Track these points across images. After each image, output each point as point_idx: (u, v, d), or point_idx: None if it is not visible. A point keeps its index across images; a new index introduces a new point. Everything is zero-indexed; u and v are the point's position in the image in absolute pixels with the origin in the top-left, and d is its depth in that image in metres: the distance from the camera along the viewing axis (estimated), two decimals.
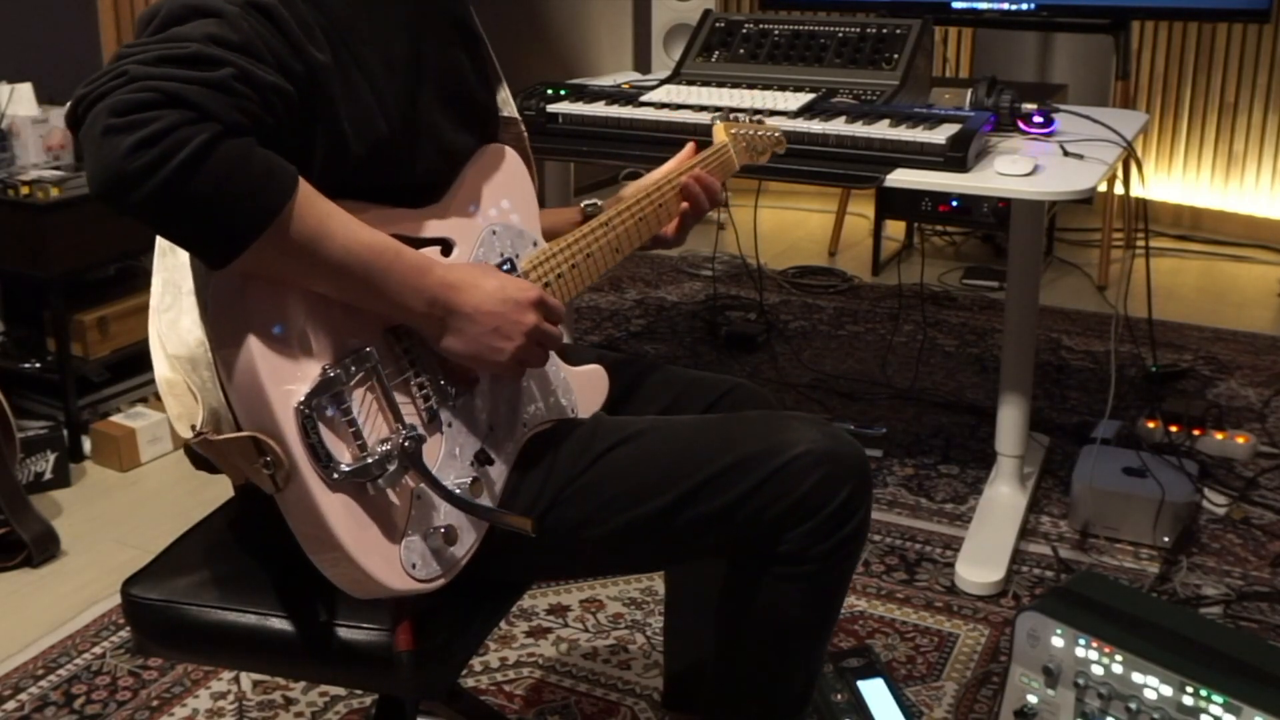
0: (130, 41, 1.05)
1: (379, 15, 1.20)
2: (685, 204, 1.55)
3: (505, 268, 1.32)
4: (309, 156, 1.14)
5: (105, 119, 0.97)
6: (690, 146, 1.61)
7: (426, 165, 1.26)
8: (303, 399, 1.09)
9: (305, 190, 1.07)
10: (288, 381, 1.09)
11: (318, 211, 1.08)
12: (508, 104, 1.45)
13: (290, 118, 1.09)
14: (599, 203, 1.52)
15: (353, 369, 1.13)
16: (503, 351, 1.20)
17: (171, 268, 1.24)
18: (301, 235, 1.06)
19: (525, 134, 1.45)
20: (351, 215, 1.12)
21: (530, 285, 1.23)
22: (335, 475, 1.10)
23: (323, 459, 1.09)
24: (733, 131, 1.70)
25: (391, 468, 1.13)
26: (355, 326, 1.15)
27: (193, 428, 1.19)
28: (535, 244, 1.38)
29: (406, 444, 1.14)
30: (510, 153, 1.38)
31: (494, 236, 1.32)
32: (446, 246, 1.27)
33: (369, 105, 1.17)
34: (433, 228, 1.26)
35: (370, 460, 1.12)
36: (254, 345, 1.08)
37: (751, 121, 1.78)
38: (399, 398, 1.17)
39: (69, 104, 1.02)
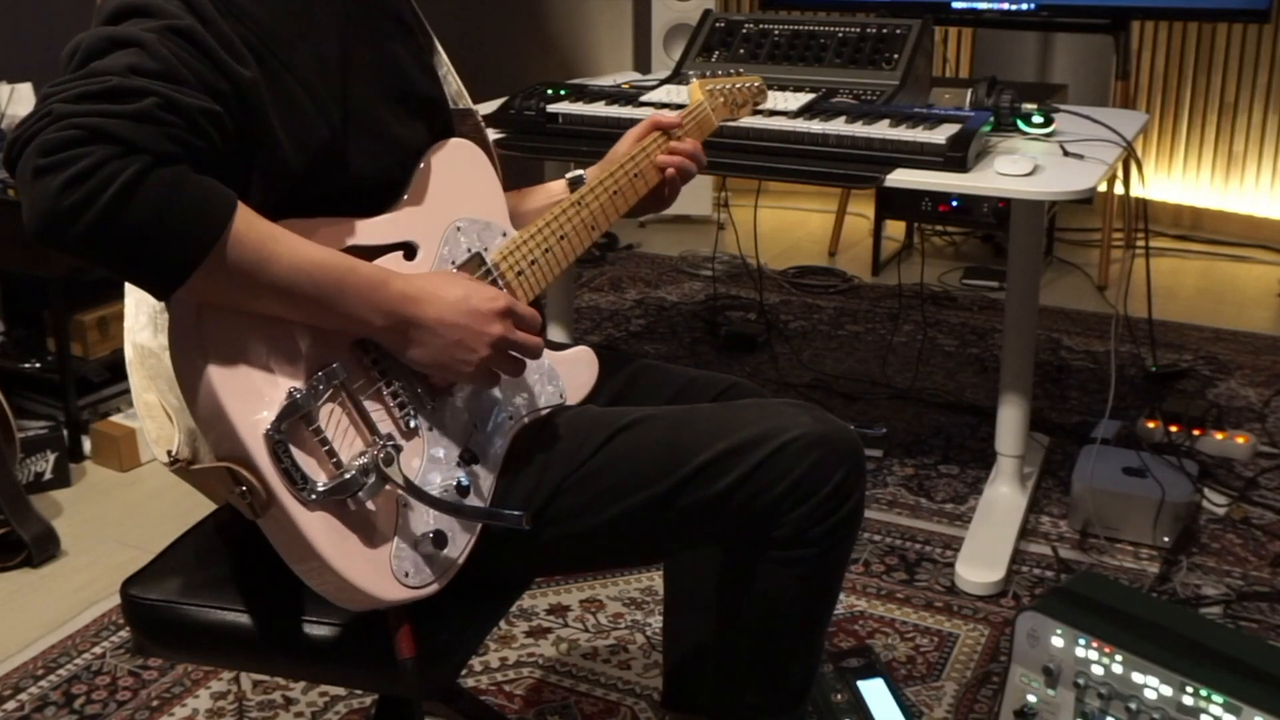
0: (54, 80, 1.03)
1: (304, 17, 1.18)
2: (673, 172, 1.54)
3: (475, 262, 1.30)
4: (248, 176, 1.12)
5: (34, 160, 0.97)
6: (652, 118, 1.56)
7: (374, 165, 1.24)
8: (270, 425, 1.08)
9: (245, 214, 1.06)
10: (254, 409, 1.08)
11: (260, 234, 1.06)
12: (461, 96, 1.44)
13: (223, 138, 1.07)
14: (583, 173, 1.51)
15: (320, 387, 1.12)
16: (468, 363, 1.18)
17: None
18: (245, 259, 1.05)
19: (483, 124, 1.44)
20: (299, 232, 1.10)
21: (498, 294, 1.21)
22: (313, 496, 1.09)
23: (298, 481, 1.08)
24: (709, 88, 1.68)
25: (370, 481, 1.12)
26: (319, 343, 1.14)
27: (169, 453, 1.19)
28: (504, 234, 1.36)
29: (382, 456, 1.13)
30: (466, 144, 1.36)
31: (458, 232, 1.30)
32: (409, 250, 1.25)
33: (306, 110, 1.15)
34: (392, 231, 1.24)
35: (347, 476, 1.11)
36: (215, 376, 1.07)
37: (728, 75, 1.76)
38: (372, 408, 1.16)
39: (4, 147, 1.02)
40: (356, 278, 1.13)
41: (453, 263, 1.29)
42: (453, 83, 1.43)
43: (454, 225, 1.30)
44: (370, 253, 1.20)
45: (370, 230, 1.22)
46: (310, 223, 1.15)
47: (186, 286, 1.03)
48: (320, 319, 1.13)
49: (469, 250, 1.31)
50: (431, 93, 1.35)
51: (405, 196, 1.27)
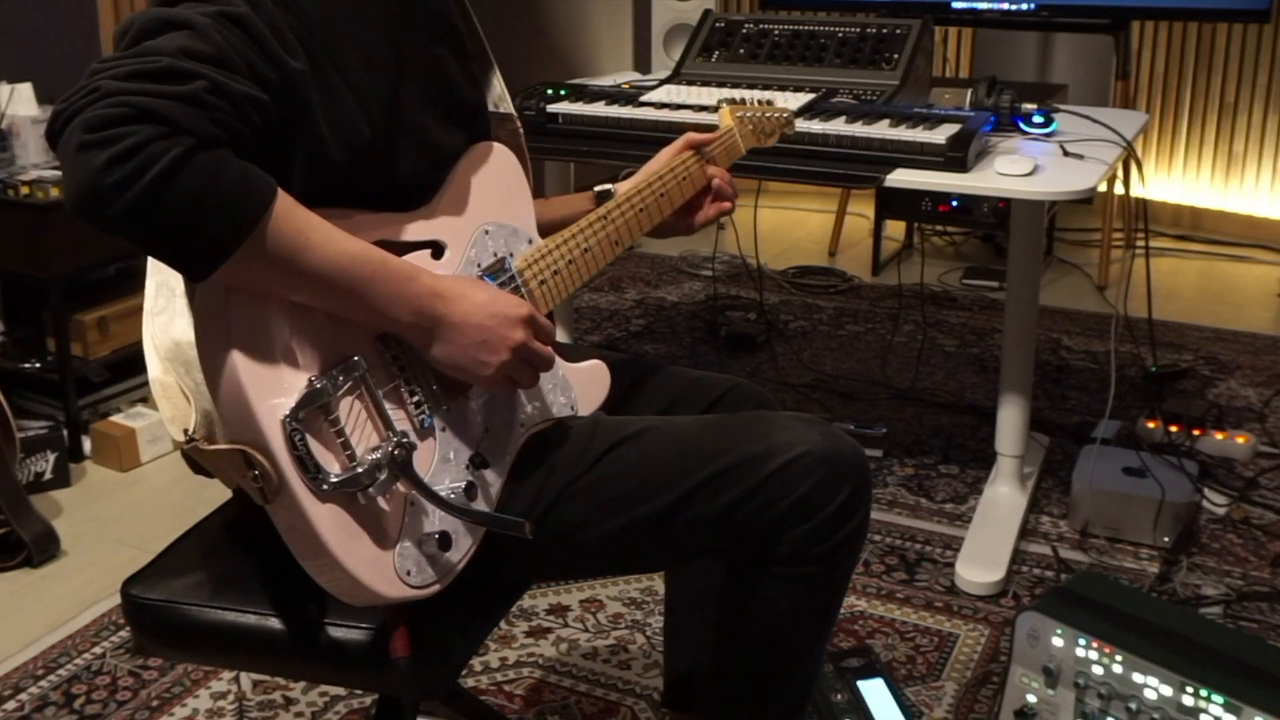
0: (104, 56, 1.04)
1: (356, 16, 1.18)
2: (724, 203, 1.58)
3: (499, 267, 1.31)
4: (289, 165, 1.13)
5: (79, 135, 0.97)
6: (687, 136, 1.59)
7: (412, 166, 1.25)
8: (289, 412, 1.08)
9: (284, 201, 1.06)
10: (273, 394, 1.08)
11: (297, 222, 1.07)
12: (503, 100, 1.44)
13: (268, 127, 1.08)
14: (612, 188, 1.50)
15: (340, 378, 1.12)
16: (488, 365, 1.19)
17: (165, 269, 1.23)
18: (281, 246, 1.06)
19: (521, 130, 1.44)
20: (335, 224, 1.11)
21: (521, 301, 1.22)
22: (324, 486, 1.09)
23: (311, 470, 1.09)
24: (738, 115, 1.69)
25: (382, 476, 1.12)
26: (343, 335, 1.14)
27: (185, 432, 1.19)
28: (530, 241, 1.37)
29: (396, 452, 1.13)
30: (501, 149, 1.37)
31: (486, 236, 1.31)
32: (437, 249, 1.25)
33: (350, 108, 1.16)
34: (422, 230, 1.25)
35: (360, 470, 1.11)
36: (238, 358, 1.07)
37: (758, 104, 1.77)
38: (389, 405, 1.16)
39: (48, 119, 1.02)
40: (387, 271, 1.13)
41: (479, 265, 1.29)
42: (496, 86, 1.43)
43: (483, 228, 1.31)
44: (400, 248, 1.20)
45: (402, 227, 1.23)
46: (345, 214, 1.16)
47: (221, 270, 1.04)
48: (349, 310, 1.13)
49: (495, 254, 1.31)
50: (474, 101, 1.36)
51: (438, 197, 1.28)
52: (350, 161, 1.17)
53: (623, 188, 1.51)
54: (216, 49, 1.04)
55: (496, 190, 1.34)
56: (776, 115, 1.77)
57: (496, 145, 1.37)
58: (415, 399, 1.19)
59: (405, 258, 1.20)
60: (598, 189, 1.50)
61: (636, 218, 1.47)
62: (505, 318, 1.19)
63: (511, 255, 1.33)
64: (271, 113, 1.08)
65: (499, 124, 1.41)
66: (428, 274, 1.17)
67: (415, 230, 1.24)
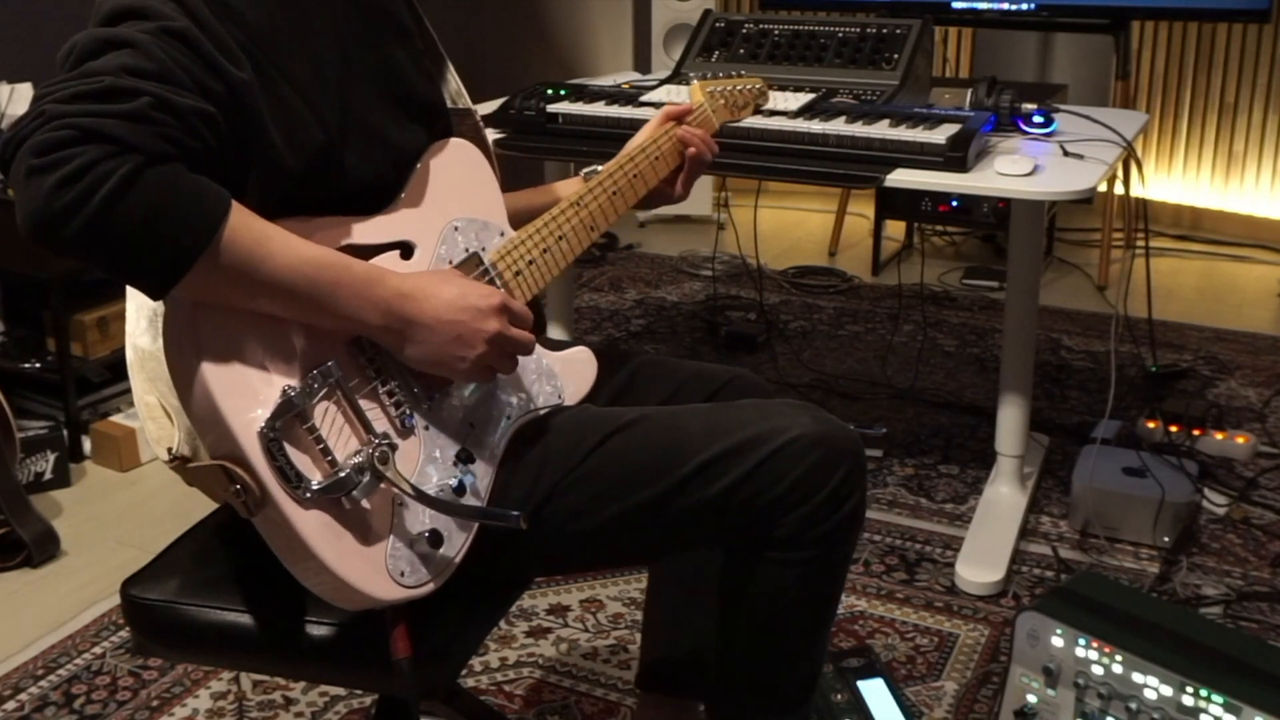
0: (48, 81, 1.04)
1: (301, 22, 1.18)
2: (691, 150, 1.56)
3: (472, 261, 1.30)
4: (245, 177, 1.12)
5: (28, 160, 0.97)
6: (666, 109, 1.59)
7: (372, 169, 1.24)
8: (264, 424, 1.08)
9: (239, 212, 1.06)
10: (248, 408, 1.08)
11: (255, 233, 1.06)
12: (460, 95, 1.43)
13: (217, 140, 1.07)
14: (599, 168, 1.51)
15: (315, 385, 1.12)
16: (465, 360, 1.18)
17: None
18: (239, 258, 1.05)
19: (482, 124, 1.44)
20: (296, 232, 1.10)
21: (493, 291, 1.21)
22: (307, 495, 1.09)
23: (292, 480, 1.08)
24: (709, 90, 1.68)
25: (365, 480, 1.12)
26: (314, 342, 1.14)
27: (169, 451, 1.19)
28: (502, 234, 1.36)
29: (378, 454, 1.12)
30: (463, 144, 1.36)
31: (456, 232, 1.30)
32: (406, 249, 1.25)
33: (302, 116, 1.16)
34: (388, 231, 1.24)
35: (342, 475, 1.11)
36: (209, 373, 1.07)
37: (729, 77, 1.76)
38: (367, 407, 1.16)
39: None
40: (351, 276, 1.12)
41: (450, 262, 1.28)
42: (452, 82, 1.43)
43: (451, 225, 1.30)
44: (367, 252, 1.19)
45: (367, 230, 1.22)
46: (307, 223, 1.15)
47: (181, 285, 1.03)
48: (316, 317, 1.13)
49: (466, 250, 1.31)
50: (431, 97, 1.35)
51: (402, 197, 1.27)
52: (307, 169, 1.16)
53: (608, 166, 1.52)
54: (159, 65, 1.04)
55: (463, 185, 1.33)
56: (749, 87, 1.76)
57: (458, 140, 1.35)
58: (394, 399, 1.19)
59: (373, 260, 1.19)
60: (585, 171, 1.51)
61: (610, 201, 1.47)
62: (477, 310, 1.18)
63: (484, 249, 1.32)
64: (220, 125, 1.07)
65: (460, 120, 1.40)
66: (394, 275, 1.16)
67: (382, 232, 1.23)
